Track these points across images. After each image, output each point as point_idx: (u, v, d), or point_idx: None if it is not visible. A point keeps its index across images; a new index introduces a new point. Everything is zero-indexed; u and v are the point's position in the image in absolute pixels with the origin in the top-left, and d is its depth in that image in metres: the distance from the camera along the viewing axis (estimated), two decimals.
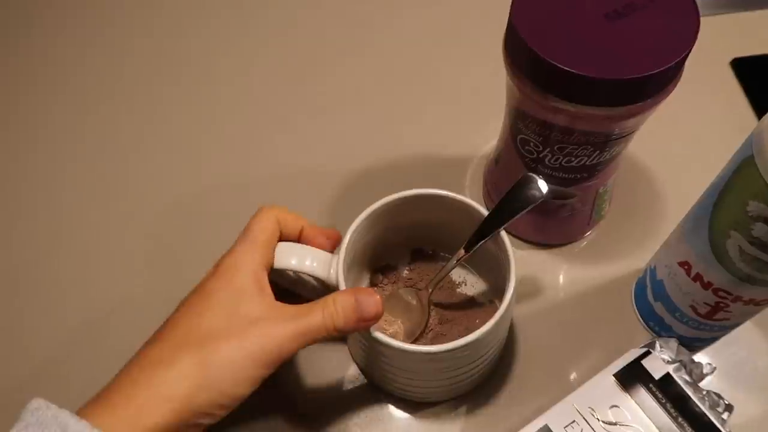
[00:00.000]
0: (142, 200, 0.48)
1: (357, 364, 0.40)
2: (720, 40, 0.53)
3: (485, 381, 0.39)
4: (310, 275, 0.34)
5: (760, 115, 0.50)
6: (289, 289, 0.37)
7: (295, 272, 0.35)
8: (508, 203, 0.34)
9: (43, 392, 0.39)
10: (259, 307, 0.30)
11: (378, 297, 0.32)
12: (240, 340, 0.29)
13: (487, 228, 0.34)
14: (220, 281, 0.31)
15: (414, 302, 0.39)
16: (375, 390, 0.39)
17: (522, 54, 0.31)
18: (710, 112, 0.51)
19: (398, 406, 0.38)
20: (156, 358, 0.29)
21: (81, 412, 0.27)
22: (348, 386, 0.40)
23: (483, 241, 0.34)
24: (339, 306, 0.31)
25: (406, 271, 0.42)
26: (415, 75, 0.54)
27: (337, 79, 0.54)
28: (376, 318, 0.32)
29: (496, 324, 0.32)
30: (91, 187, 0.49)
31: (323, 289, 0.35)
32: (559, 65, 0.29)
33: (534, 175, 0.33)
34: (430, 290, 0.38)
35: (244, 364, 0.29)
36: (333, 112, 0.52)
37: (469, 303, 0.41)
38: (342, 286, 0.33)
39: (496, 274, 0.37)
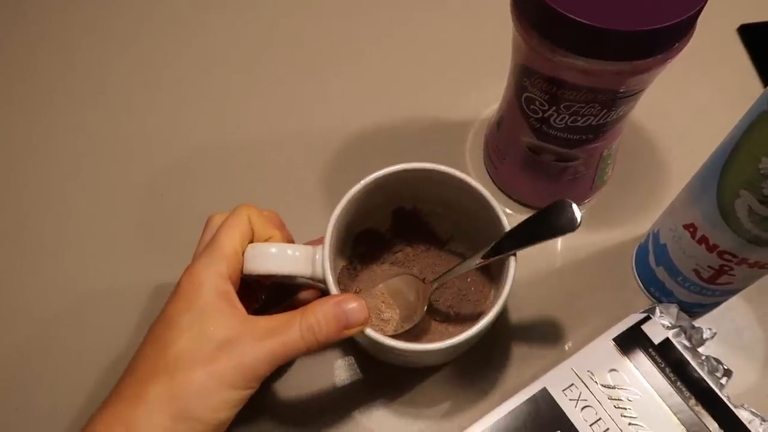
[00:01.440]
0: (131, 164, 0.47)
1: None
2: (727, 7, 0.52)
3: (484, 346, 0.38)
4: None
5: (766, 82, 0.49)
6: (281, 283, 0.34)
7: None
8: (538, 226, 0.31)
9: (23, 379, 0.39)
10: (227, 324, 0.28)
11: (363, 301, 0.29)
12: (210, 366, 0.27)
13: (508, 244, 0.32)
14: (182, 303, 0.28)
15: (411, 293, 0.37)
16: (370, 358, 0.38)
17: (529, 4, 0.30)
18: (716, 78, 0.50)
19: (396, 373, 0.38)
20: (127, 396, 0.27)
21: None
22: (343, 356, 0.39)
23: (500, 257, 0.32)
24: (320, 316, 0.28)
25: (389, 235, 0.40)
26: (413, 36, 0.53)
27: (333, 40, 0.53)
28: (364, 325, 0.30)
29: (492, 319, 0.31)
30: (78, 152, 0.48)
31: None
32: (568, 14, 0.28)
33: (570, 202, 0.31)
34: (434, 286, 0.36)
35: (219, 390, 0.27)
36: (329, 73, 0.51)
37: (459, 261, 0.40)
38: (330, 282, 0.31)
39: (487, 234, 0.35)
